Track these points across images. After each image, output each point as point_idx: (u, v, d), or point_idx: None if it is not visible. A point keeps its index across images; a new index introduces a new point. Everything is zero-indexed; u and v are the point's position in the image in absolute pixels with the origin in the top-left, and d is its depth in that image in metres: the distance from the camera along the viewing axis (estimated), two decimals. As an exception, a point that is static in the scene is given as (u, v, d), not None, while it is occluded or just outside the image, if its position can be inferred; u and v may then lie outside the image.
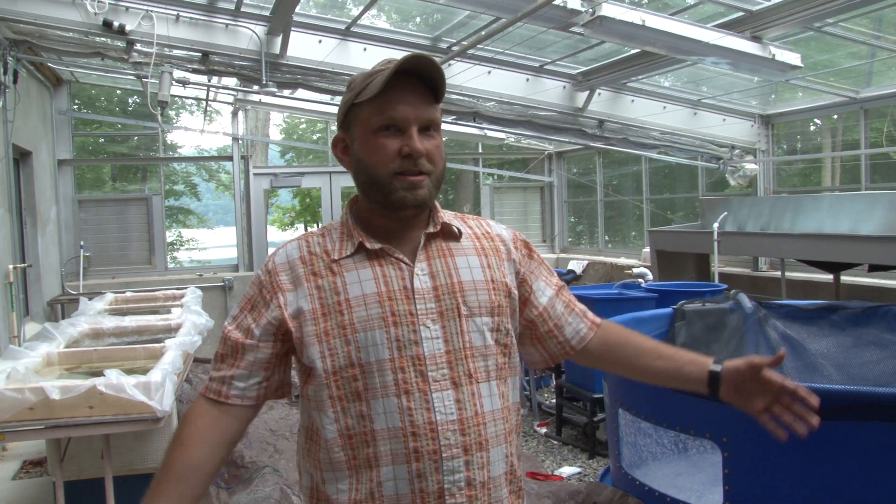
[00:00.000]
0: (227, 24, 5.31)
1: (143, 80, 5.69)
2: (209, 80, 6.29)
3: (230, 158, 8.60)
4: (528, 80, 6.43)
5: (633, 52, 5.76)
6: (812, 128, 7.20)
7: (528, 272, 1.35)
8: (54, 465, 2.94)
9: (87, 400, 2.57)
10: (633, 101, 6.89)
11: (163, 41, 5.07)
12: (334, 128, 10.03)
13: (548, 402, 5.42)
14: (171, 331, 3.98)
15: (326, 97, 6.95)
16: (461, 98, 6.19)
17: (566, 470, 4.18)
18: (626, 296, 4.70)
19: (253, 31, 5.32)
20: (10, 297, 5.28)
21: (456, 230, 1.28)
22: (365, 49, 5.72)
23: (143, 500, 1.16)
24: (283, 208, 16.77)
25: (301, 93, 6.32)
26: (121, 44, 5.07)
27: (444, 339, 1.18)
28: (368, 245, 1.21)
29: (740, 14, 4.87)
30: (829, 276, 5.27)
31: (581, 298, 1.49)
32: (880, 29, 5.14)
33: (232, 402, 1.22)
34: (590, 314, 1.41)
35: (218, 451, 1.21)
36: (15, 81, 5.29)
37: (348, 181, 9.01)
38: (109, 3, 4.83)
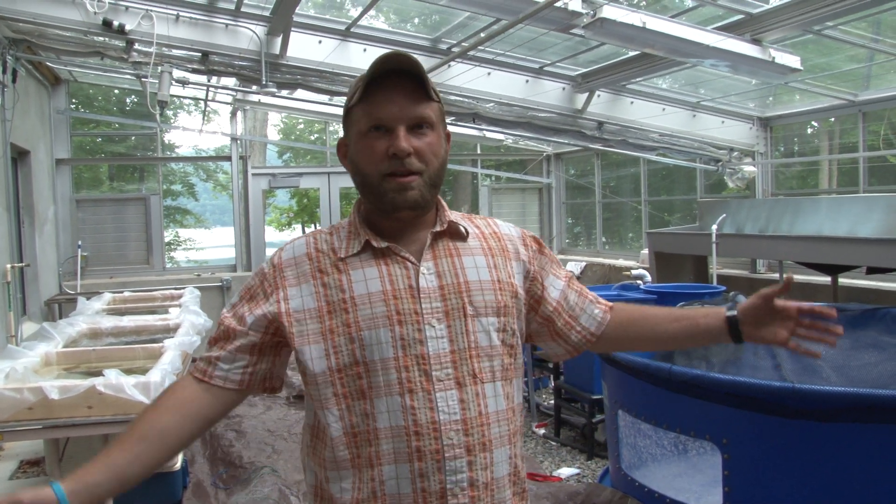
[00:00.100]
0: (227, 24, 5.30)
1: (143, 79, 5.69)
2: (209, 80, 6.28)
3: (228, 158, 8.59)
4: (527, 81, 6.44)
5: (632, 54, 5.77)
6: (809, 130, 7.22)
7: (540, 268, 1.34)
8: (52, 465, 2.93)
9: (86, 400, 2.56)
10: (632, 102, 6.91)
11: (162, 41, 5.06)
12: (332, 128, 9.99)
13: (546, 404, 5.42)
14: (170, 331, 3.97)
15: (325, 97, 6.95)
16: (461, 99, 6.19)
17: (565, 471, 4.18)
18: (625, 297, 4.71)
19: (253, 32, 5.32)
20: (8, 297, 5.26)
21: (463, 230, 1.27)
22: (365, 50, 5.72)
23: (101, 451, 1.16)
24: (280, 209, 16.75)
25: (300, 93, 6.32)
26: (120, 43, 5.06)
27: (448, 339, 1.17)
28: (375, 243, 1.21)
29: (740, 17, 4.88)
30: (827, 279, 5.28)
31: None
32: (879, 32, 5.16)
33: (214, 382, 1.23)
34: (601, 299, 1.41)
35: (189, 424, 1.21)
36: (14, 80, 5.28)
37: (347, 182, 9.03)
38: (109, 3, 4.81)
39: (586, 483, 3.64)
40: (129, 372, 2.80)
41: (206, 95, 7.52)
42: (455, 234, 1.27)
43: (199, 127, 8.47)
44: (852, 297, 5.15)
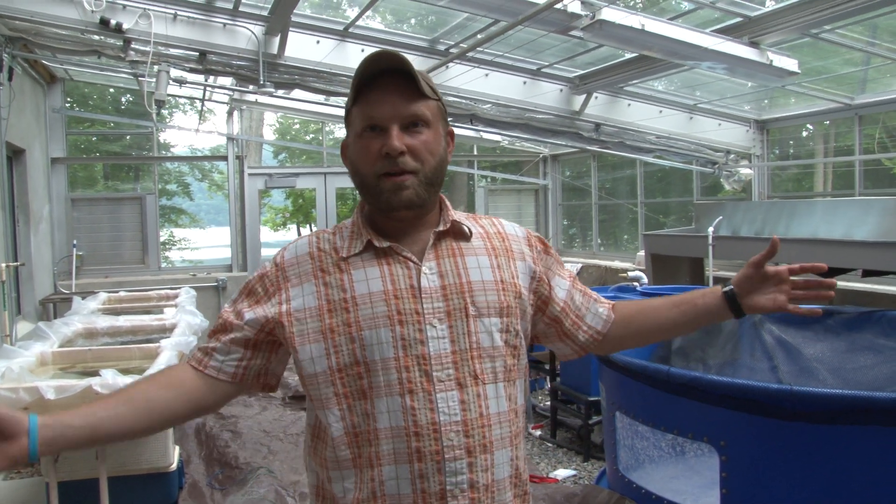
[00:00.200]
0: (224, 24, 5.29)
1: (140, 78, 5.67)
2: (206, 80, 6.27)
3: (224, 158, 8.57)
4: (525, 83, 6.44)
5: (629, 56, 5.78)
6: (805, 133, 7.25)
7: (546, 268, 1.34)
8: (48, 465, 2.91)
9: (82, 400, 2.54)
10: (629, 104, 6.92)
11: (160, 40, 5.04)
12: (328, 128, 9.96)
13: (542, 405, 5.43)
14: (166, 331, 3.96)
15: (322, 98, 6.94)
16: (458, 100, 6.19)
17: (561, 472, 4.19)
18: (622, 299, 4.71)
19: (251, 31, 5.31)
20: (3, 296, 5.23)
21: (466, 230, 1.26)
22: (363, 50, 5.71)
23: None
24: (275, 209, 16.73)
25: (297, 93, 6.31)
26: (118, 42, 5.04)
27: (450, 339, 1.16)
28: (377, 243, 1.21)
29: (738, 20, 4.89)
30: (823, 281, 5.29)
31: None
32: (875, 36, 5.18)
33: (208, 372, 1.24)
34: (603, 298, 1.42)
35: (178, 402, 1.21)
36: (10, 79, 5.26)
37: (343, 182, 9.03)
38: (107, 1, 4.80)
39: (583, 485, 3.64)
40: (125, 372, 2.79)
41: (204, 95, 7.50)
42: (458, 233, 1.26)
43: (195, 126, 8.46)
44: (848, 300, 5.17)
